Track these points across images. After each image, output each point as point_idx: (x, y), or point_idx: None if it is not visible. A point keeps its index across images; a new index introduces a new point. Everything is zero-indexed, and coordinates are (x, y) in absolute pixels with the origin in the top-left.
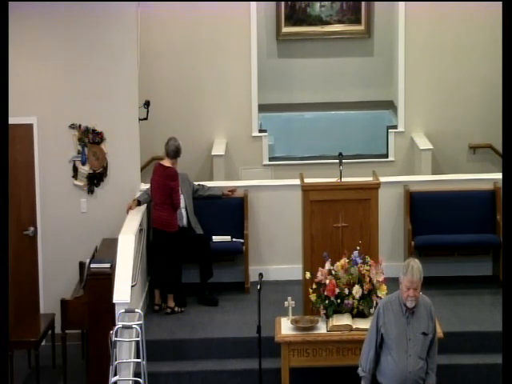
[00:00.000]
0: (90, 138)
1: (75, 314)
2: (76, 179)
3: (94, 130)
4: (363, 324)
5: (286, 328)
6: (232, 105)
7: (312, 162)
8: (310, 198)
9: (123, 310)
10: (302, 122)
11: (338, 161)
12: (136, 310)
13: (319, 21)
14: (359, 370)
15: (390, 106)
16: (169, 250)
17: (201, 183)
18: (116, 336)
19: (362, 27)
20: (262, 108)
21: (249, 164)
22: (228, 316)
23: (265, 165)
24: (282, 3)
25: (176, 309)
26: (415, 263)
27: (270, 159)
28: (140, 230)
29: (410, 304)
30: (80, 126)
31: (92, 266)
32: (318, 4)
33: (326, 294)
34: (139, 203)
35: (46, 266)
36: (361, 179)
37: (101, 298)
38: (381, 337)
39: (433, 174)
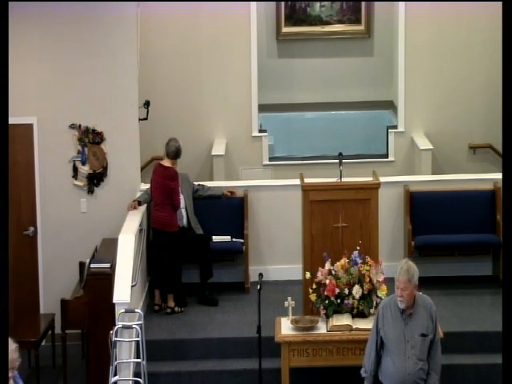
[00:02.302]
0: (90, 138)
1: (75, 314)
2: (76, 179)
3: (94, 130)
4: (363, 324)
5: (286, 328)
6: (232, 105)
7: (312, 162)
8: (310, 198)
9: (123, 310)
10: (302, 122)
11: (338, 161)
12: (136, 310)
13: (319, 21)
14: (362, 371)
15: (390, 106)
16: (169, 250)
17: (201, 183)
18: (116, 336)
19: (362, 27)
20: (262, 108)
21: (249, 164)
22: (228, 316)
23: (265, 165)
24: (282, 3)
25: (176, 309)
26: (406, 264)
27: (270, 159)
28: (140, 230)
29: (399, 304)
30: (80, 125)
31: (92, 266)
32: (317, 4)
33: (326, 294)
34: (139, 203)
35: (46, 266)
36: (361, 179)
37: (101, 298)
38: (380, 338)
39: (433, 174)
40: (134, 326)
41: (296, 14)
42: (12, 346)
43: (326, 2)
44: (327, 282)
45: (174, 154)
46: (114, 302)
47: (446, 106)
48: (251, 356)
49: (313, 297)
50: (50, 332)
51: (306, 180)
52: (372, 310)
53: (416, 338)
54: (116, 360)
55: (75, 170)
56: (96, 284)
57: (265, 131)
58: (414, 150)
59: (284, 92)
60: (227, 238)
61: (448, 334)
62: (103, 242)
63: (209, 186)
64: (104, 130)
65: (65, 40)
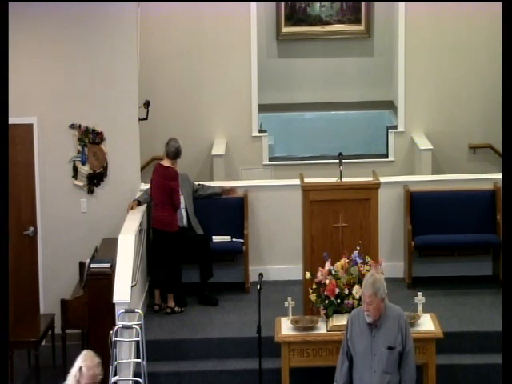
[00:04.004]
0: (90, 138)
1: (75, 314)
2: (76, 179)
3: (94, 130)
4: None
5: (286, 328)
6: (232, 105)
7: (312, 162)
8: (310, 198)
9: (123, 310)
10: (302, 122)
11: (338, 161)
12: (136, 310)
13: (319, 21)
14: None
15: (390, 106)
16: (169, 250)
17: (201, 183)
18: (116, 336)
19: (362, 27)
20: (262, 108)
21: (249, 164)
22: (228, 316)
23: (265, 165)
24: (282, 3)
25: (176, 309)
26: (371, 277)
27: (270, 159)
28: (140, 230)
29: (367, 319)
30: (80, 126)
31: (92, 266)
32: (317, 4)
33: (326, 293)
34: (139, 203)
35: (46, 266)
36: (361, 179)
37: (101, 297)
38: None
39: (433, 174)
40: (134, 325)
41: (296, 14)
42: (94, 360)
43: (326, 2)
44: (327, 281)
45: (174, 154)
46: (114, 302)
47: (446, 106)
48: (251, 356)
49: (313, 297)
50: (50, 332)
51: (306, 180)
52: None
53: (383, 351)
54: (116, 360)
55: (75, 170)
56: (96, 284)
57: (265, 131)
58: (413, 150)
59: (284, 92)
60: (227, 238)
61: (448, 333)
62: (103, 242)
63: (208, 185)
64: (104, 130)
65: (65, 40)
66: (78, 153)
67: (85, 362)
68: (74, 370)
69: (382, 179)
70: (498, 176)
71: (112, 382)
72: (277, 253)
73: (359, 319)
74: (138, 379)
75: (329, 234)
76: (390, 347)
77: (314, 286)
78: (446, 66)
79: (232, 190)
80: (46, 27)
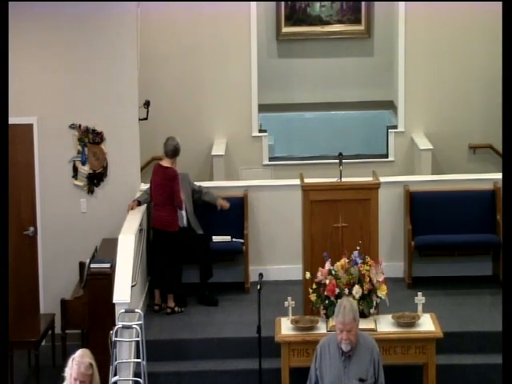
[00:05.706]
0: (90, 138)
1: (75, 314)
2: (76, 179)
3: (94, 130)
4: (363, 324)
5: (286, 328)
6: (232, 105)
7: (312, 162)
8: (310, 198)
9: (123, 310)
10: (302, 122)
11: (338, 161)
12: (136, 310)
13: (319, 21)
14: None
15: (390, 106)
16: (169, 250)
17: (200, 184)
18: (116, 336)
19: (362, 27)
20: (262, 108)
21: (249, 164)
22: (228, 316)
23: (265, 165)
24: (282, 3)
25: (176, 309)
26: (348, 303)
27: (270, 159)
28: (140, 230)
29: (344, 347)
30: (80, 126)
31: (92, 266)
32: (317, 4)
33: (326, 294)
34: (139, 203)
35: (46, 266)
36: (361, 179)
37: (101, 297)
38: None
39: (433, 174)
40: (134, 325)
41: (296, 14)
42: (85, 358)
43: (326, 2)
44: (327, 281)
45: (173, 152)
46: (113, 302)
47: (445, 105)
48: (251, 356)
49: (313, 297)
50: (50, 332)
51: (306, 180)
52: (372, 310)
53: (353, 383)
54: (116, 360)
55: (75, 170)
56: (96, 284)
57: (265, 131)
58: (413, 150)
59: (284, 92)
60: (227, 238)
61: (448, 334)
62: (103, 242)
63: (206, 188)
64: (104, 130)
65: (65, 40)
66: (78, 153)
67: (77, 356)
68: (69, 362)
69: (382, 179)
70: (498, 176)
71: (112, 382)
72: (277, 253)
73: (329, 348)
74: (138, 379)
75: (329, 234)
76: (361, 379)
77: (314, 286)
78: (445, 66)
79: (225, 205)
80: (46, 27)
